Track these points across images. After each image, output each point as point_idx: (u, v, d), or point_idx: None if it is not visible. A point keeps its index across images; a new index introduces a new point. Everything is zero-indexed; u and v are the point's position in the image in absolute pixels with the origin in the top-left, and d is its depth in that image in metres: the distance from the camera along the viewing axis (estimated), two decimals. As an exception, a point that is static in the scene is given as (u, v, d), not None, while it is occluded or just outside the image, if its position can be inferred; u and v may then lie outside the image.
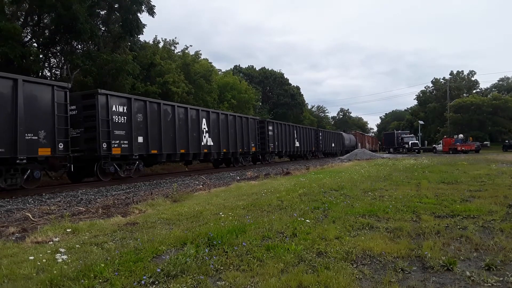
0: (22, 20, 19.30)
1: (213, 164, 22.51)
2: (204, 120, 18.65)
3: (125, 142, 13.77)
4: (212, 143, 19.18)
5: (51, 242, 4.52)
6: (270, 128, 25.81)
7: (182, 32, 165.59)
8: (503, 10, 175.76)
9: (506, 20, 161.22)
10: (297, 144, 30.70)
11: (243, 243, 3.99)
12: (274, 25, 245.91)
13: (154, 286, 3.00)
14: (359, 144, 56.57)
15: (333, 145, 41.81)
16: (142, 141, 14.58)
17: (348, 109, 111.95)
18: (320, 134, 37.74)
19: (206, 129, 18.84)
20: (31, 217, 6.49)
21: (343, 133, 49.76)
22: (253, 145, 23.65)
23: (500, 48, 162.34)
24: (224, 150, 20.25)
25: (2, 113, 9.89)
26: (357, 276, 3.11)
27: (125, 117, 13.83)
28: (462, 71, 65.96)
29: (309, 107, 79.50)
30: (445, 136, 48.69)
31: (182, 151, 16.83)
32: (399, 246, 3.83)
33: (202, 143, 18.39)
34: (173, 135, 16.25)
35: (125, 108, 13.89)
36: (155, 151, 15.23)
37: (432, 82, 67.70)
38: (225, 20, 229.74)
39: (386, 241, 4.04)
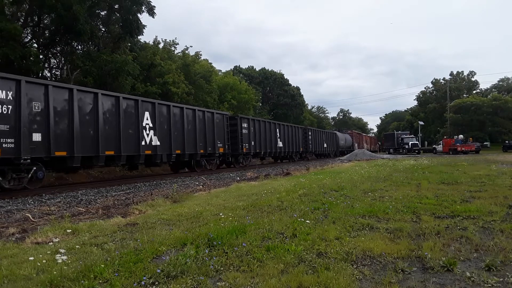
0: (22, 20, 19.31)
1: (171, 168, 20.05)
2: (147, 114, 14.85)
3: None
4: (158, 143, 15.28)
5: (51, 243, 4.52)
6: (245, 125, 22.02)
7: (181, 33, 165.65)
8: (503, 10, 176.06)
9: (506, 21, 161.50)
10: (280, 144, 27.32)
11: (243, 243, 3.99)
12: (274, 26, 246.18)
13: (154, 286, 3.00)
14: (356, 145, 53.73)
15: (325, 145, 38.50)
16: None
17: (348, 110, 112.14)
18: (310, 133, 33.97)
19: (150, 125, 14.92)
20: (31, 218, 6.49)
21: (338, 133, 46.30)
22: (220, 145, 19.79)
23: (500, 49, 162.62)
24: (178, 152, 16.22)
25: None
26: (357, 276, 3.11)
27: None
28: (462, 71, 66.14)
29: (309, 107, 79.62)
30: (445, 137, 48.70)
31: (111, 152, 13.13)
32: (399, 246, 3.83)
33: (143, 143, 14.49)
34: (94, 133, 12.53)
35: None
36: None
37: (432, 82, 67.84)
38: (225, 20, 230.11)
39: (386, 242, 4.03)
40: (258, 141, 24.02)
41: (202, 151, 18.19)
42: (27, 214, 6.88)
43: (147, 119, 14.89)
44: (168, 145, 15.84)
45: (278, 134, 27.27)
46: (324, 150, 38.18)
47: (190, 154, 17.58)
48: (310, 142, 33.83)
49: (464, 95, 60.48)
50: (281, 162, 30.20)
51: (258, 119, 25.14)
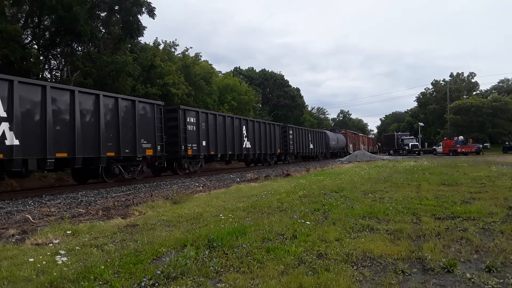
0: (22, 22, 19.34)
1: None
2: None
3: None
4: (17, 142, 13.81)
5: (51, 244, 4.52)
6: (191, 120, 17.31)
7: (181, 34, 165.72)
8: (503, 11, 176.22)
9: (506, 22, 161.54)
10: (247, 145, 22.56)
11: (243, 245, 3.99)
12: (273, 27, 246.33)
13: (154, 288, 3.00)
14: (351, 146, 49.56)
15: (311, 146, 34.14)
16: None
17: (348, 111, 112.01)
18: (290, 132, 29.20)
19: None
20: (31, 219, 6.49)
21: (328, 132, 41.53)
22: (147, 146, 14.97)
23: (500, 50, 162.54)
24: (60, 155, 11.46)
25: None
26: (357, 278, 3.11)
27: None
28: (462, 72, 66.15)
29: (309, 109, 79.58)
30: (445, 138, 48.72)
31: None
32: (400, 248, 3.82)
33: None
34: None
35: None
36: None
37: (432, 83, 67.87)
38: (224, 21, 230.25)
39: (387, 243, 4.03)
40: (213, 140, 18.92)
41: (112, 153, 13.11)
42: (27, 215, 6.88)
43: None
44: (38, 145, 10.58)
45: (244, 132, 22.32)
46: (310, 151, 33.98)
47: (88, 159, 12.18)
48: (291, 142, 29.08)
49: (464, 96, 60.51)
50: (254, 166, 25.16)
51: (213, 113, 19.97)
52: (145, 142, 14.62)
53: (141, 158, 14.51)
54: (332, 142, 40.66)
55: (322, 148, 38.02)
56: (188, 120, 17.08)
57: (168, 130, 16.41)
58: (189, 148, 17.00)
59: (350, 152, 45.76)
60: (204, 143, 18.23)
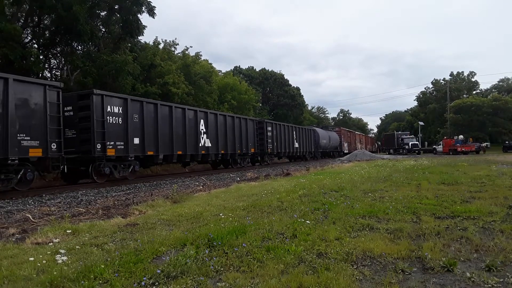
0: (22, 21, 19.33)
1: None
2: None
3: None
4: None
5: (51, 243, 4.52)
6: (116, 109, 13.48)
7: (180, 34, 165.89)
8: (503, 11, 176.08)
9: (506, 21, 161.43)
10: (205, 142, 18.50)
11: (243, 244, 3.99)
12: (273, 26, 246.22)
13: (154, 287, 3.00)
14: (346, 145, 45.74)
15: (296, 145, 30.04)
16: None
17: (348, 110, 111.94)
18: (269, 128, 24.93)
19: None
20: (31, 218, 6.49)
21: (318, 129, 37.85)
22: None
23: (500, 49, 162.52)
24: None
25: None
26: (357, 277, 3.11)
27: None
28: (462, 72, 66.12)
29: (309, 108, 79.58)
30: (445, 137, 48.68)
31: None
32: (400, 247, 3.83)
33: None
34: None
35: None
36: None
37: (432, 83, 67.85)
38: (224, 21, 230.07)
39: (387, 242, 4.04)
40: (152, 137, 15.02)
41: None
42: (27, 215, 6.88)
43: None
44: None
45: (203, 127, 18.35)
46: (295, 150, 29.99)
47: None
48: (269, 140, 24.71)
49: (464, 96, 60.47)
50: (224, 169, 21.74)
51: (152, 102, 15.82)
52: (28, 138, 10.47)
53: (16, 161, 10.16)
54: (323, 140, 36.82)
55: (310, 147, 33.95)
56: (108, 109, 13.09)
57: (80, 123, 12.71)
58: (109, 147, 12.98)
59: (345, 151, 43.56)
60: (136, 140, 14.20)
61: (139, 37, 23.79)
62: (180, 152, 16.56)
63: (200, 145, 18.09)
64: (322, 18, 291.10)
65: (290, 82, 58.23)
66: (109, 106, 13.16)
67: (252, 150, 23.21)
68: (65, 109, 12.44)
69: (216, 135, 19.42)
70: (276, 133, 26.29)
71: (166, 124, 15.84)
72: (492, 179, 10.14)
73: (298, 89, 59.28)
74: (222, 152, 20.01)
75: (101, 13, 21.61)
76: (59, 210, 7.67)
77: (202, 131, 18.28)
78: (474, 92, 63.64)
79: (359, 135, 59.20)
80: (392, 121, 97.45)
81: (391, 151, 51.87)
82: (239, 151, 21.56)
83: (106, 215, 6.81)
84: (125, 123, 13.71)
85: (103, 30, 22.17)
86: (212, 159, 20.33)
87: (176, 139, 16.27)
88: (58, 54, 21.46)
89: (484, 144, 42.47)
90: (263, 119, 27.92)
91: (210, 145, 18.92)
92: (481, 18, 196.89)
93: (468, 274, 3.09)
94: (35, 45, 19.74)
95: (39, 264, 3.56)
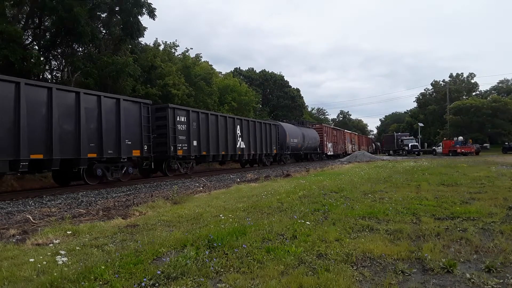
0: (23, 22, 19.35)
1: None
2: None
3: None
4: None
5: (52, 244, 4.53)
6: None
7: (180, 35, 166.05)
8: (502, 12, 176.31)
9: (506, 22, 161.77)
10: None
11: (243, 245, 4.00)
12: (273, 28, 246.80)
13: (154, 288, 3.00)
14: (329, 145, 37.32)
15: (240, 144, 21.41)
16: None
17: (348, 111, 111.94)
18: (181, 119, 16.51)
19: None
20: (31, 219, 6.49)
21: (285, 125, 28.61)
22: None
23: (499, 50, 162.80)
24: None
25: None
26: (357, 278, 3.12)
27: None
28: (462, 73, 66.14)
29: (309, 109, 79.59)
30: (444, 138, 48.74)
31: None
32: (399, 248, 3.83)
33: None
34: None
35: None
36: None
37: (431, 84, 67.88)
38: (223, 23, 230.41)
39: (386, 243, 4.04)
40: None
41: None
42: (27, 216, 6.88)
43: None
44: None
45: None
46: (238, 152, 21.28)
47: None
48: (180, 137, 16.35)
49: (464, 97, 60.50)
50: (216, 170, 21.10)
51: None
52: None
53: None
54: (293, 140, 28.48)
55: (269, 148, 25.31)
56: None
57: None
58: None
59: (329, 153, 37.23)
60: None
61: (140, 39, 23.80)
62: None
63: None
64: (321, 20, 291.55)
65: (289, 84, 58.30)
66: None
67: (135, 154, 18.23)
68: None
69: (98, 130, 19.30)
70: (201, 126, 17.83)
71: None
72: (492, 180, 10.15)
73: (298, 90, 59.30)
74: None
75: (102, 15, 21.66)
76: (60, 211, 7.68)
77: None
78: (473, 93, 63.67)
79: (351, 134, 50.67)
80: (391, 122, 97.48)
81: (391, 152, 51.86)
82: (137, 153, 16.46)
83: (106, 216, 6.81)
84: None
85: (104, 31, 22.20)
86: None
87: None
88: (59, 56, 21.48)
89: (478, 145, 42.48)
90: (167, 104, 17.01)
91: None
92: (480, 19, 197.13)
93: (468, 275, 3.09)
94: (36, 47, 19.78)
95: (39, 265, 3.57)
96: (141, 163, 15.13)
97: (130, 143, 13.73)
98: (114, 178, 13.67)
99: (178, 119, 16.19)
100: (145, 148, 14.44)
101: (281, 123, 29.00)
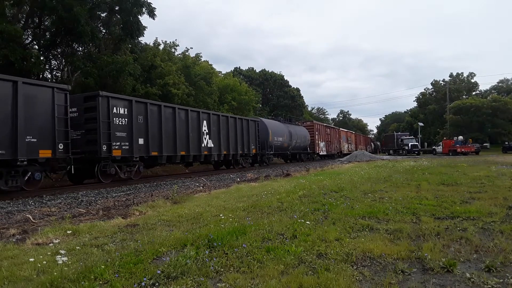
0: (23, 22, 19.36)
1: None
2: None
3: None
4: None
5: (52, 244, 4.53)
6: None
7: (180, 35, 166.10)
8: (503, 12, 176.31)
9: (506, 22, 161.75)
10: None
11: (243, 244, 4.00)
12: (272, 28, 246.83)
13: (154, 287, 3.00)
14: (322, 144, 34.58)
15: (208, 143, 18.61)
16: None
17: (348, 111, 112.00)
18: (119, 110, 13.37)
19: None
20: (31, 219, 6.49)
21: (267, 121, 25.86)
22: None
23: (500, 50, 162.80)
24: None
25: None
26: (357, 277, 3.12)
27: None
28: (462, 73, 66.20)
29: (309, 109, 79.62)
30: (444, 138, 48.75)
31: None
32: (399, 247, 3.83)
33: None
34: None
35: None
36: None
37: (431, 84, 67.93)
38: (223, 23, 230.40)
39: (386, 243, 4.04)
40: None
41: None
42: (27, 215, 6.88)
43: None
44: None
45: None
46: (205, 152, 18.40)
47: None
48: (117, 133, 13.33)
49: (464, 97, 60.54)
50: (217, 170, 20.53)
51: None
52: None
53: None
54: (277, 138, 25.84)
55: (247, 147, 22.48)
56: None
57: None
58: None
59: (321, 153, 34.93)
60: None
61: (140, 38, 23.83)
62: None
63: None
64: (322, 19, 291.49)
65: (289, 83, 58.31)
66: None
67: (45, 155, 15.40)
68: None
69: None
70: (151, 120, 14.87)
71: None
72: (492, 179, 10.15)
73: (298, 90, 59.36)
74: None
75: (102, 14, 21.68)
76: (60, 211, 7.67)
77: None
78: (473, 93, 63.72)
79: (347, 133, 47.57)
80: (391, 122, 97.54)
81: (391, 151, 51.87)
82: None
83: (106, 215, 6.81)
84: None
85: (104, 31, 22.22)
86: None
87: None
88: (59, 55, 21.49)
89: (478, 145, 42.53)
90: (97, 91, 13.10)
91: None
92: (480, 19, 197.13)
93: (468, 275, 3.09)
94: (36, 46, 19.79)
95: (39, 265, 3.57)
96: (54, 167, 11.74)
97: (34, 140, 10.44)
98: (9, 188, 10.17)
99: (114, 111, 12.99)
100: (60, 147, 11.08)
101: (262, 119, 26.05)
